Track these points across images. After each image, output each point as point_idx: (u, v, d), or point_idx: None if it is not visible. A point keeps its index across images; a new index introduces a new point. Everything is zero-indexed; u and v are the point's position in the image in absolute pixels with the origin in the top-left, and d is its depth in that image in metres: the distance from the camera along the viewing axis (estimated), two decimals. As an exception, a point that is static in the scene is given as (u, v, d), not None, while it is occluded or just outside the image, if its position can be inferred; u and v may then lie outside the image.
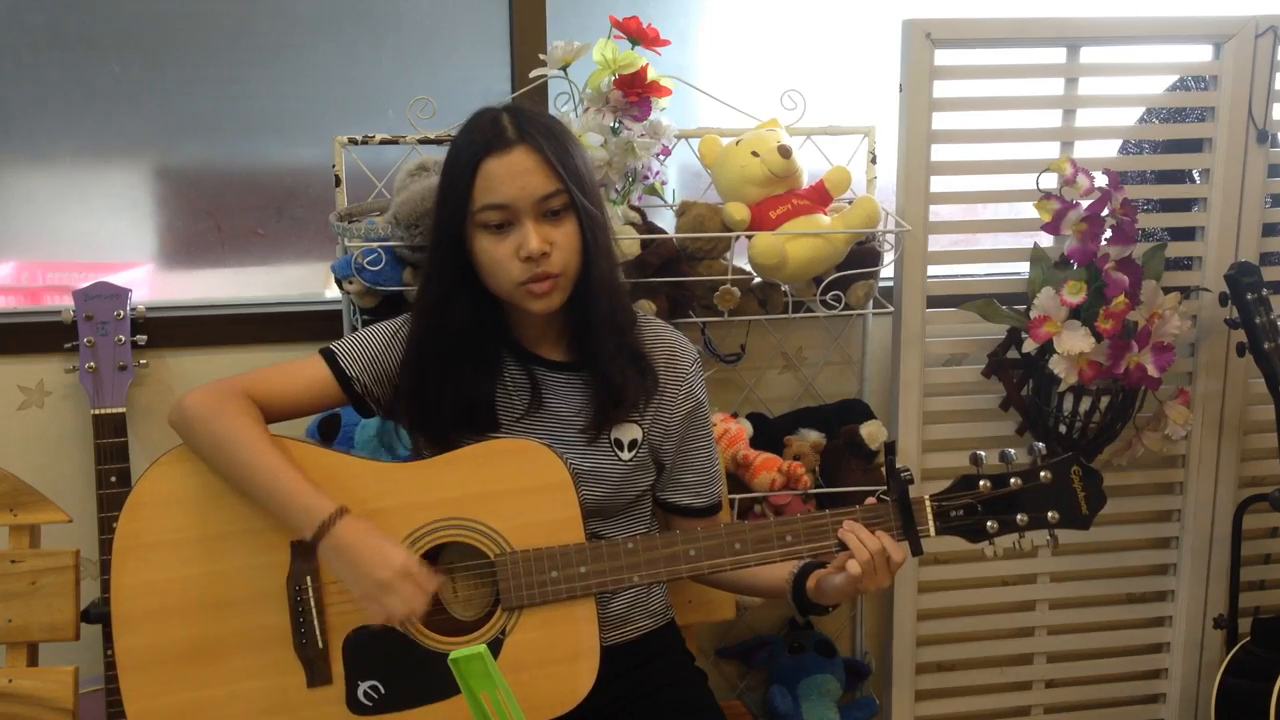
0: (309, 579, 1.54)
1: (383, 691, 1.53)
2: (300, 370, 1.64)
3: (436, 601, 1.59)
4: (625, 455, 1.66)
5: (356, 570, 1.47)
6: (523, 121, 1.56)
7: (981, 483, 1.57)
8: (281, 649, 1.54)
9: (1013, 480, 1.56)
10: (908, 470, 1.56)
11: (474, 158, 1.54)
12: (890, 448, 1.59)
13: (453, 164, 1.58)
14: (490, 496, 1.55)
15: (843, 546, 1.54)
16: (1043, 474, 1.57)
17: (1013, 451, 1.58)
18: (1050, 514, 1.57)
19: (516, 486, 1.55)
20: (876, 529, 1.54)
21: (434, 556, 1.58)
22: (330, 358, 1.65)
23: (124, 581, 1.54)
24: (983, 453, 1.57)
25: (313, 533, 1.48)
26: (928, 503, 1.56)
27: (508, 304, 1.62)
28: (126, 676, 1.53)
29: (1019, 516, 1.56)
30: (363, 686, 1.53)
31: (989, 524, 1.56)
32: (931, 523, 1.56)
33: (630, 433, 1.67)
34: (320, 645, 1.54)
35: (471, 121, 1.59)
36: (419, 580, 1.48)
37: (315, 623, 1.54)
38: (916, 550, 1.56)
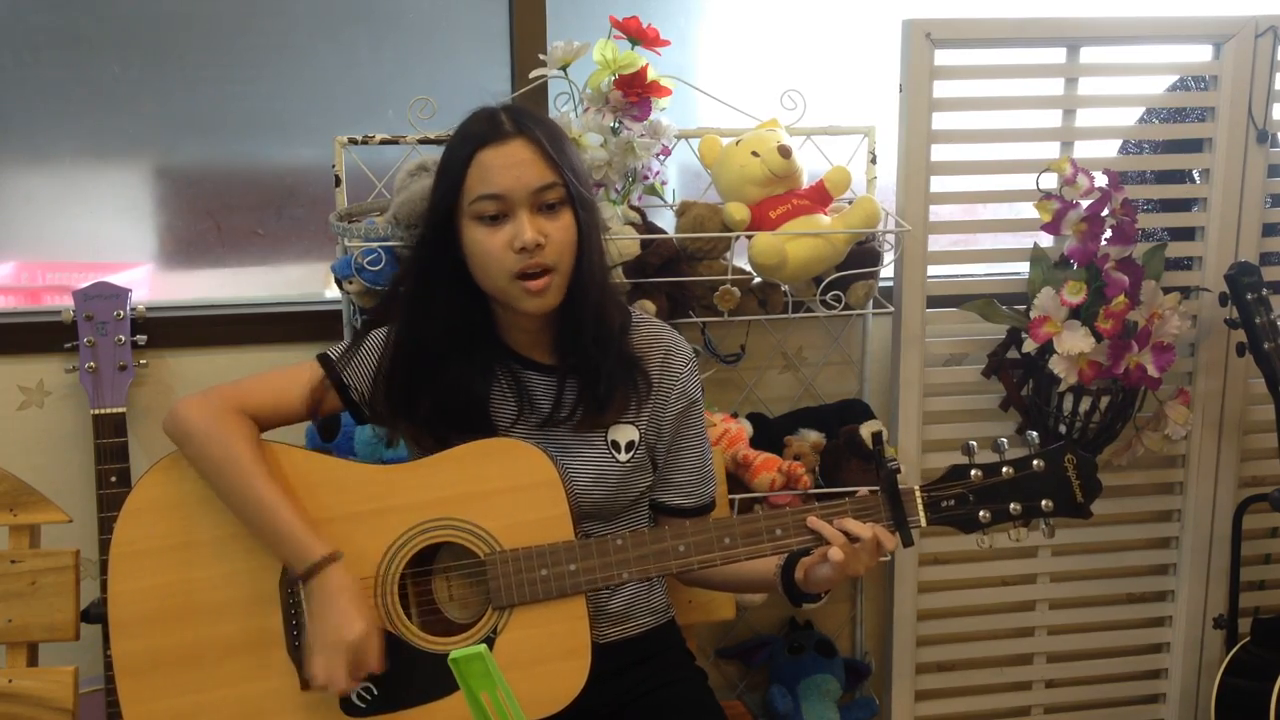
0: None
1: (375, 693, 1.53)
2: (296, 377, 1.63)
3: (431, 601, 1.59)
4: (623, 457, 1.65)
5: (323, 622, 1.49)
6: (520, 116, 1.56)
7: (973, 472, 1.54)
8: (275, 651, 1.54)
9: (1005, 469, 1.54)
10: (895, 460, 1.54)
11: (469, 150, 1.53)
12: (877, 438, 1.57)
13: (447, 158, 1.57)
14: (479, 496, 1.55)
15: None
16: (1035, 462, 1.54)
17: (1005, 441, 1.55)
18: (1045, 503, 1.54)
19: (505, 485, 1.55)
20: (867, 520, 1.53)
21: (428, 557, 1.58)
22: (326, 363, 1.64)
23: (120, 588, 1.55)
24: (974, 442, 1.55)
25: (302, 571, 1.50)
26: (918, 493, 1.55)
27: (499, 306, 1.61)
28: (124, 681, 1.54)
29: (1012, 506, 1.54)
30: (355, 688, 1.53)
31: (981, 514, 1.54)
32: (922, 513, 1.54)
33: (627, 434, 1.66)
34: None
35: (467, 118, 1.59)
36: (362, 659, 1.49)
37: (308, 624, 1.54)
38: (908, 541, 1.54)
